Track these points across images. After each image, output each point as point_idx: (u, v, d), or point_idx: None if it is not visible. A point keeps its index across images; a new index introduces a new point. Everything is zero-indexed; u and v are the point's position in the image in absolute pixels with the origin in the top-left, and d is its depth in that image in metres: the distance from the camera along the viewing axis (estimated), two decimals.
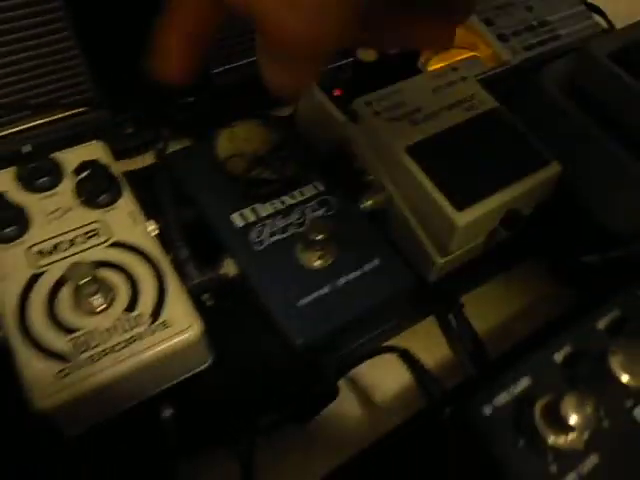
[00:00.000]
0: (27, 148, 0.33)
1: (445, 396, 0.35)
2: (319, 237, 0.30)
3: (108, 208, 0.33)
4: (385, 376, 0.42)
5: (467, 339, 0.39)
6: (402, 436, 0.32)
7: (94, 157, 0.34)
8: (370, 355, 0.35)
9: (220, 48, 0.56)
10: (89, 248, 0.31)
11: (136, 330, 0.29)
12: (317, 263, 0.31)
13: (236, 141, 0.34)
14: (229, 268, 0.32)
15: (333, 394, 0.34)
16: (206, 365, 0.33)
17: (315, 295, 0.30)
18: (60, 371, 0.27)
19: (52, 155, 0.34)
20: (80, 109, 0.53)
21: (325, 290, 0.30)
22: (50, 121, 0.53)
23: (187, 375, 0.32)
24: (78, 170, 0.32)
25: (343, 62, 0.48)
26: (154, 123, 0.53)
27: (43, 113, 0.52)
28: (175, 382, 0.32)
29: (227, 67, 0.59)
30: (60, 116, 0.53)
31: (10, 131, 0.50)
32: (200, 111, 0.53)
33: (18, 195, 0.32)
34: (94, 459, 0.30)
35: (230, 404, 0.35)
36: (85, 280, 0.28)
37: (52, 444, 0.29)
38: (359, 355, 0.35)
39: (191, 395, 0.33)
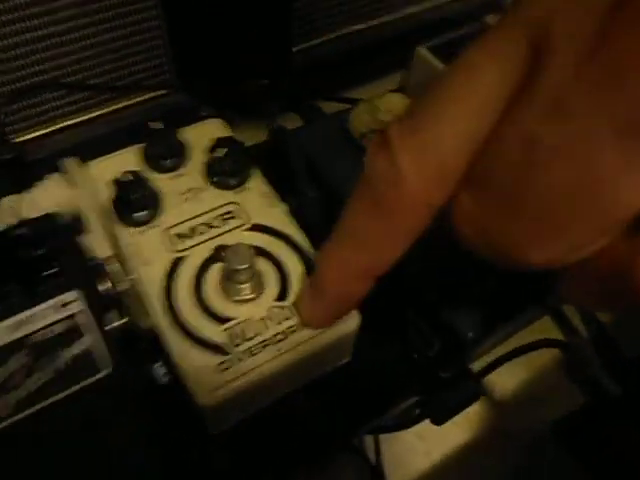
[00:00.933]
0: (157, 125, 0.30)
1: None
2: None
3: (239, 189, 0.31)
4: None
5: None
6: None
7: (223, 134, 0.32)
8: (525, 350, 0.33)
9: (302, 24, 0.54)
10: (229, 231, 0.29)
11: (293, 320, 0.26)
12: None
13: (377, 114, 0.31)
14: None
15: (478, 394, 0.31)
16: (346, 360, 0.30)
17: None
18: (220, 364, 0.25)
19: (177, 133, 0.32)
20: (161, 92, 0.51)
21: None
22: (130, 104, 0.50)
23: (328, 370, 0.30)
24: (213, 148, 0.30)
25: None
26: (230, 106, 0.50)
27: (123, 96, 0.50)
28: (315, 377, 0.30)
29: (308, 45, 0.56)
30: (140, 99, 0.51)
31: (92, 115, 0.48)
32: (277, 92, 0.51)
33: (148, 175, 0.30)
34: (237, 457, 0.28)
35: (360, 403, 0.32)
36: (242, 266, 0.25)
37: (195, 441, 0.27)
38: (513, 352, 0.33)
39: (324, 391, 0.31)
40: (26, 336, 0.21)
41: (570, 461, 0.36)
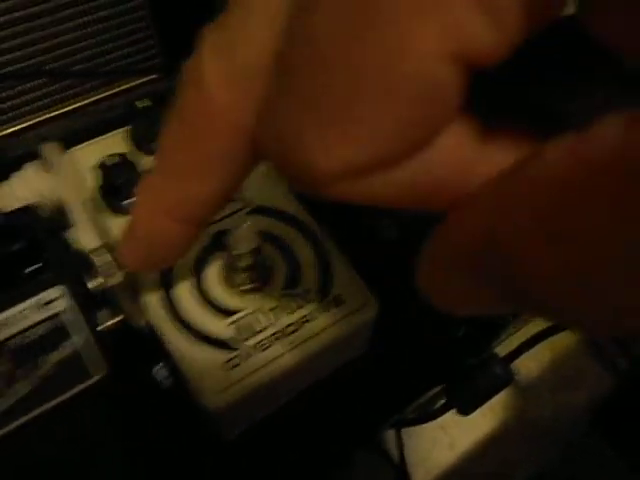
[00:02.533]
0: (144, 103, 0.27)
1: None
2: None
3: None
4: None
5: None
6: None
7: None
8: (552, 332, 0.30)
9: None
10: (228, 215, 0.26)
11: (306, 309, 0.24)
12: None
13: None
14: (391, 231, 0.27)
15: (508, 379, 0.29)
16: (364, 351, 0.28)
17: None
18: (228, 361, 0.22)
19: (160, 111, 0.29)
20: (150, 77, 0.48)
21: None
22: (120, 91, 0.48)
23: (344, 362, 0.27)
24: None
25: None
26: None
27: (113, 82, 0.47)
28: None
29: None
30: (129, 85, 0.48)
31: (81, 103, 0.46)
32: None
33: (137, 158, 0.27)
34: (254, 465, 0.26)
35: (381, 395, 0.30)
36: (246, 251, 0.23)
37: (209, 450, 0.25)
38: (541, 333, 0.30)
39: (342, 385, 0.28)
40: (5, 340, 0.19)
41: (604, 450, 0.33)
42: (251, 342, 0.23)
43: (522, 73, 0.10)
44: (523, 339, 0.33)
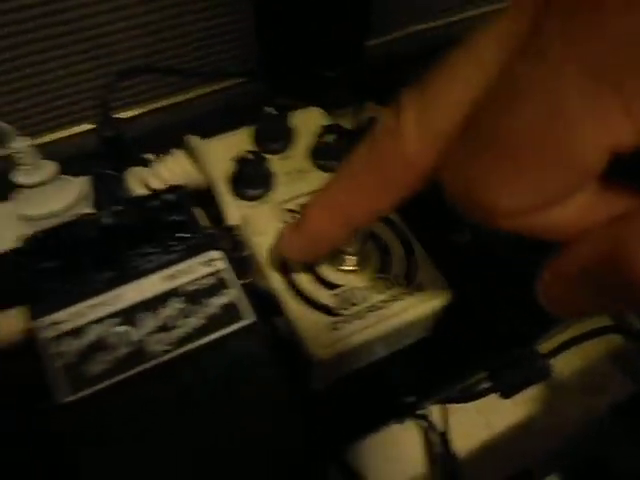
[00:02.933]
0: (269, 110, 0.33)
1: None
2: None
3: None
4: None
5: None
6: None
7: (325, 122, 0.35)
8: (591, 336, 0.36)
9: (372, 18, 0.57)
10: None
11: (395, 290, 0.29)
12: None
13: None
14: (464, 235, 0.33)
15: (548, 372, 0.34)
16: (429, 333, 0.34)
17: None
18: (332, 324, 0.28)
19: (285, 117, 0.35)
20: (242, 79, 0.54)
21: None
22: (214, 90, 0.54)
23: (412, 341, 0.33)
24: (321, 134, 0.33)
25: None
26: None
27: (208, 82, 0.54)
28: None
29: (382, 40, 0.60)
30: (222, 86, 0.54)
31: (178, 100, 0.52)
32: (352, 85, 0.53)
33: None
34: (334, 413, 0.31)
35: (434, 374, 0.35)
36: (358, 237, 0.28)
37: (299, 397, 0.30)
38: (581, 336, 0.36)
39: (405, 361, 0.34)
40: (181, 285, 0.25)
41: (629, 446, 0.38)
42: (349, 311, 0.29)
43: None
44: (559, 342, 0.38)
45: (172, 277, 0.25)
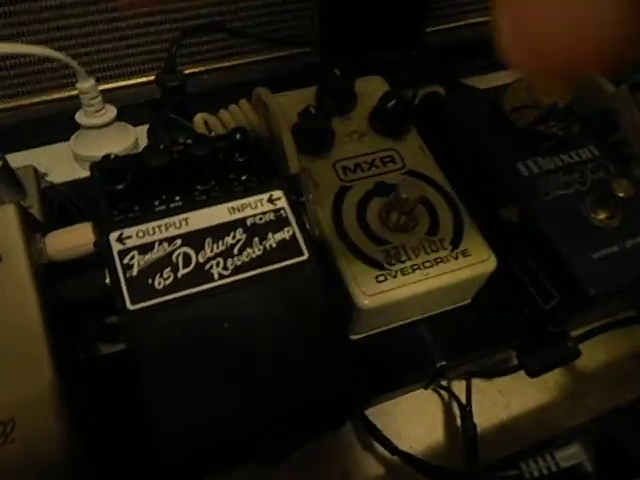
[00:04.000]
0: (336, 71, 0.34)
1: None
2: (620, 195, 0.31)
3: (398, 139, 0.35)
4: None
5: None
6: None
7: (385, 89, 0.36)
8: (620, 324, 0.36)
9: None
10: (387, 172, 0.33)
11: (440, 253, 0.31)
12: (606, 222, 0.32)
13: (532, 92, 0.35)
14: (512, 215, 0.33)
15: (577, 353, 0.35)
16: (468, 301, 0.34)
17: (606, 251, 0.31)
18: (378, 276, 0.29)
19: (350, 81, 0.36)
20: (304, 49, 0.56)
21: (614, 249, 0.31)
22: (274, 57, 0.55)
23: (454, 305, 0.34)
24: (382, 99, 0.34)
25: None
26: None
27: (269, 48, 0.55)
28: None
29: (440, 27, 0.60)
30: (282, 54, 0.56)
31: (237, 62, 0.53)
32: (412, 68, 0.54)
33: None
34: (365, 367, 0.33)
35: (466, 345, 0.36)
36: (412, 198, 0.29)
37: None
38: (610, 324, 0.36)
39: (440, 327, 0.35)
40: (244, 218, 0.26)
41: None
42: (396, 267, 0.30)
43: None
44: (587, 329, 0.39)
45: (236, 209, 0.26)
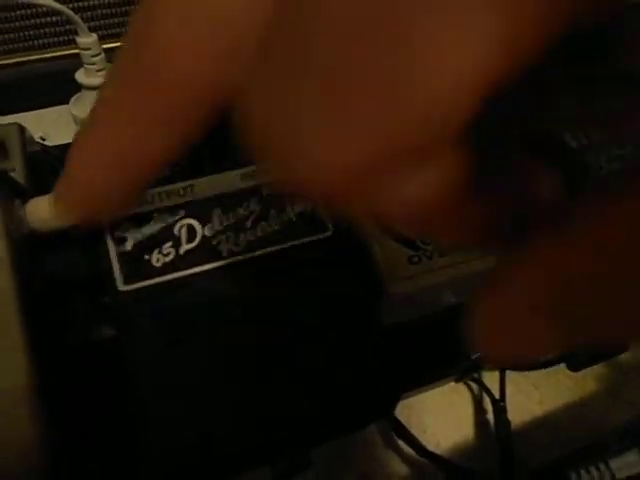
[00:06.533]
0: None
1: None
2: None
3: None
4: None
5: None
6: None
7: None
8: None
9: None
10: None
11: None
12: None
13: None
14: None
15: (624, 346, 0.31)
16: None
17: None
18: (412, 257, 0.26)
19: None
20: None
21: None
22: None
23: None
24: None
25: None
26: None
27: None
28: None
29: None
30: None
31: None
32: None
33: None
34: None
35: None
36: None
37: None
38: None
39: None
40: (259, 186, 0.22)
41: None
42: (431, 247, 0.26)
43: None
44: None
45: (250, 177, 0.23)
